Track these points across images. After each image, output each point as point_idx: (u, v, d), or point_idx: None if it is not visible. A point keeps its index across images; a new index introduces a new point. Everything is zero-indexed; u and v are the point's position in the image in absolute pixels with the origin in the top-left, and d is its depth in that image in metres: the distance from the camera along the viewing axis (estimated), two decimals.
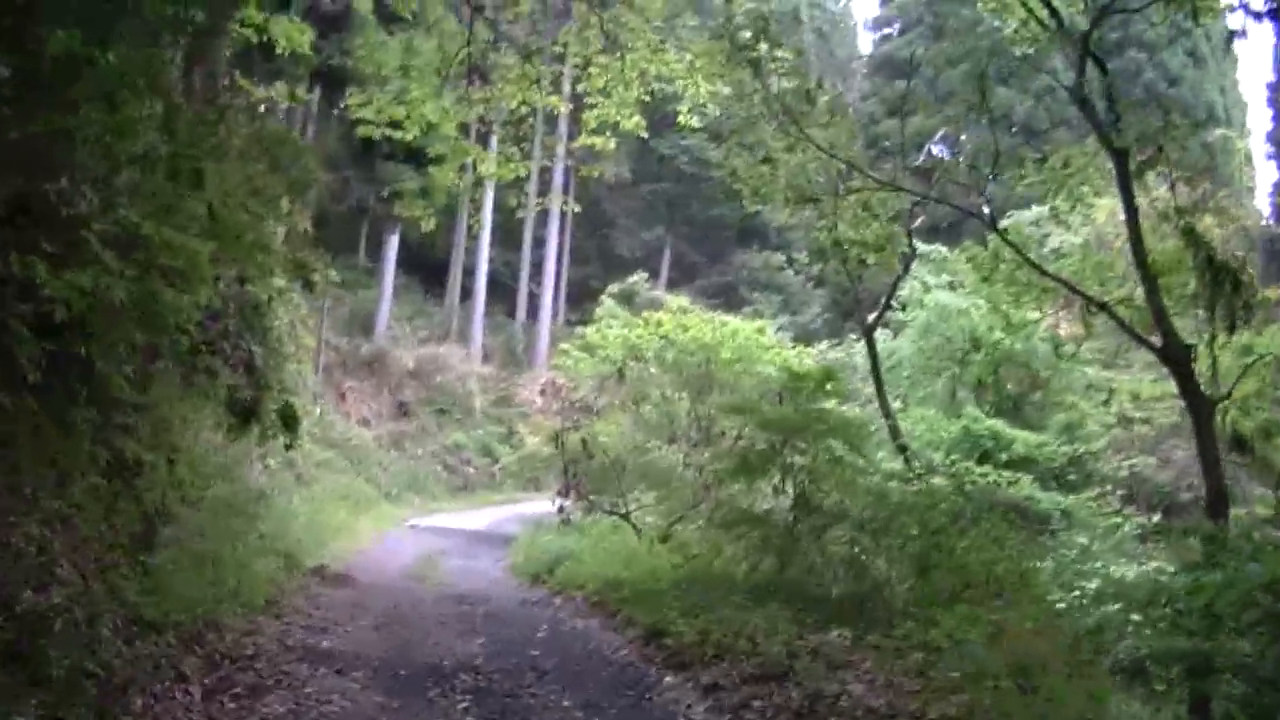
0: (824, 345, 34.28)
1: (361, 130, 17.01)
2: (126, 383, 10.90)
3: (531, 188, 47.81)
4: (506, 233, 52.29)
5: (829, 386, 13.85)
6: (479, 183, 17.78)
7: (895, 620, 10.47)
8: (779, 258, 61.09)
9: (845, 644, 9.45)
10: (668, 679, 9.37)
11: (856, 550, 12.52)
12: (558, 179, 43.80)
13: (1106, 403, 25.92)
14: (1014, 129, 50.42)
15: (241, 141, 11.25)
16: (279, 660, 8.67)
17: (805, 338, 37.67)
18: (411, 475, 36.30)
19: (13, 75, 7.38)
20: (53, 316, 6.40)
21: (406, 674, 8.88)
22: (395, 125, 16.74)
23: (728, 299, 51.12)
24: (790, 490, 13.48)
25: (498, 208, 48.56)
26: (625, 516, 18.93)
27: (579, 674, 9.55)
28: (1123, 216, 20.93)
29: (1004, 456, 26.98)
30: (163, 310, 7.42)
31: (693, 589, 12.50)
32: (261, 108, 17.58)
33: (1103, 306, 14.31)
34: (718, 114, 18.51)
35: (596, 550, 17.42)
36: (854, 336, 37.40)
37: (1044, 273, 15.44)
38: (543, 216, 52.01)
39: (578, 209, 17.44)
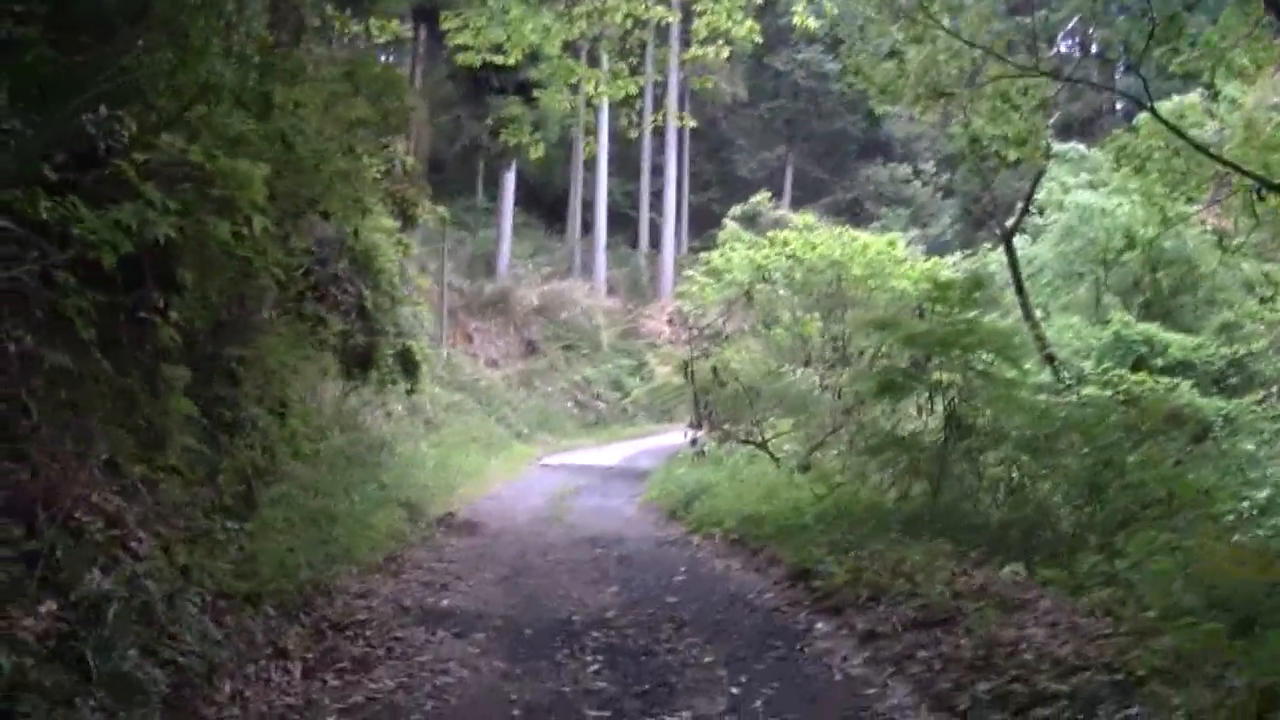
0: (957, 257, 32.57)
1: (461, 58, 16.14)
2: (214, 334, 10.39)
3: (646, 106, 46.87)
4: (624, 162, 51.41)
5: (976, 295, 12.65)
6: (590, 104, 16.76)
7: (1068, 550, 9.43)
8: (905, 169, 59.23)
9: (1017, 581, 8.40)
10: (819, 626, 8.45)
11: (1017, 473, 11.41)
12: (673, 95, 42.61)
13: (1272, 298, 24.00)
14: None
15: (326, 72, 10.49)
16: (393, 625, 7.97)
17: (937, 250, 36.12)
18: (542, 413, 35.86)
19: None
20: (100, 264, 5.67)
21: (532, 634, 8.11)
22: (497, 50, 15.86)
23: (854, 215, 49.49)
24: (940, 410, 12.39)
25: (613, 138, 47.74)
26: (762, 445, 18.01)
27: (721, 624, 8.69)
28: None
29: (1159, 362, 25.44)
30: (216, 245, 6.61)
31: (839, 522, 11.56)
32: (360, 45, 16.86)
33: (1273, 186, 12.88)
34: (835, 12, 17.23)
35: (734, 483, 16.57)
36: (988, 246, 35.78)
37: (1209, 154, 13.94)
38: (659, 143, 51.01)
39: (694, 124, 16.39)
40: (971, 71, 14.40)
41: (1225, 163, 13.59)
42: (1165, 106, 17.71)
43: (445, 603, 9.02)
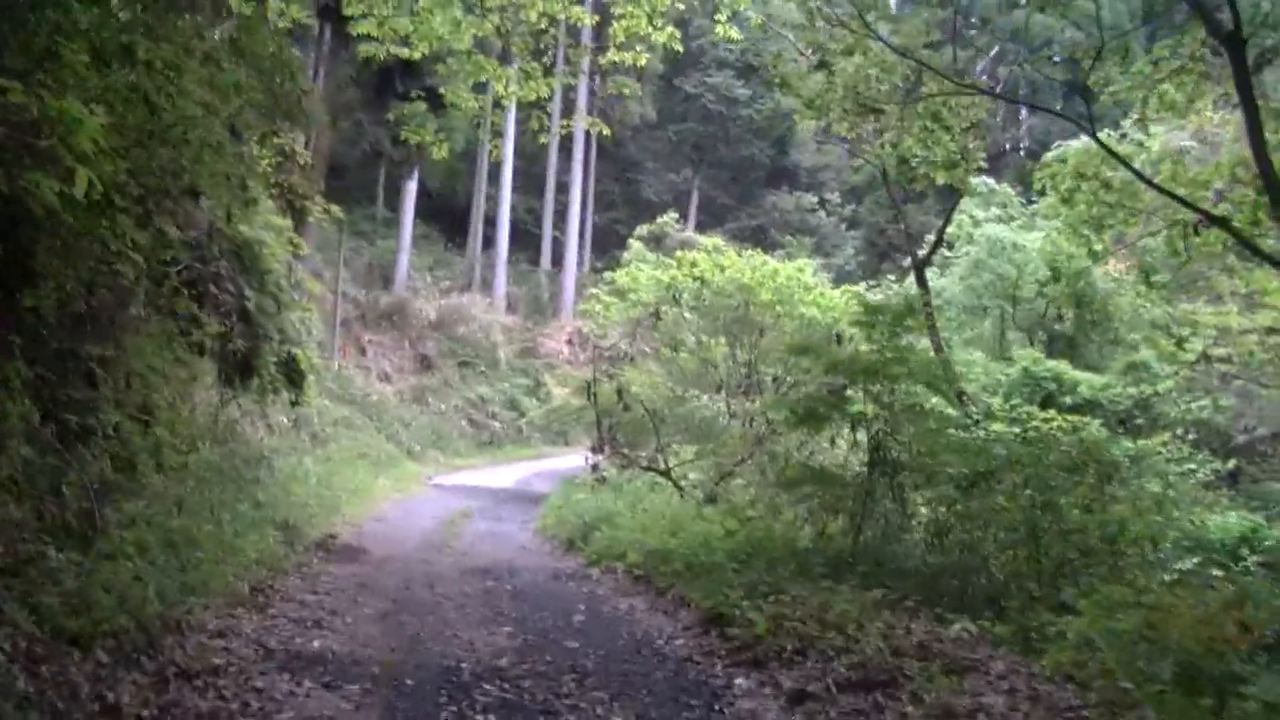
0: (862, 287, 32.22)
1: (364, 50, 15.07)
2: (71, 329, 9.27)
3: (554, 113, 45.98)
4: (529, 178, 50.53)
5: (909, 322, 11.92)
6: (500, 105, 15.71)
7: (1009, 601, 8.67)
8: (810, 199, 59.24)
9: (964, 636, 7.59)
10: (739, 682, 7.49)
11: (948, 513, 10.67)
12: (582, 100, 41.66)
13: (1180, 342, 23.79)
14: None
15: (209, 40, 9.38)
16: (252, 672, 6.83)
17: (840, 280, 35.71)
18: (435, 431, 34.67)
19: None
20: None
21: (414, 685, 7.03)
22: (403, 42, 14.84)
23: (758, 242, 48.86)
24: (861, 443, 11.62)
25: (519, 153, 46.77)
26: (666, 473, 17.11)
27: (629, 676, 7.72)
28: (1201, 131, 19.11)
29: (1067, 400, 25.14)
30: (42, 209, 5.45)
31: (754, 561, 10.69)
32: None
33: (1219, 221, 12.39)
34: (761, 21, 16.51)
35: (636, 512, 15.60)
36: (892, 278, 35.54)
37: (1155, 186, 13.39)
38: (565, 161, 50.18)
39: (606, 130, 15.47)
40: (905, 88, 13.76)
41: (1173, 196, 13.05)
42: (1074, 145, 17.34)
43: (316, 644, 7.89)
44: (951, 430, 11.34)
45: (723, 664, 8.08)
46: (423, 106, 15.14)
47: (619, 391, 16.69)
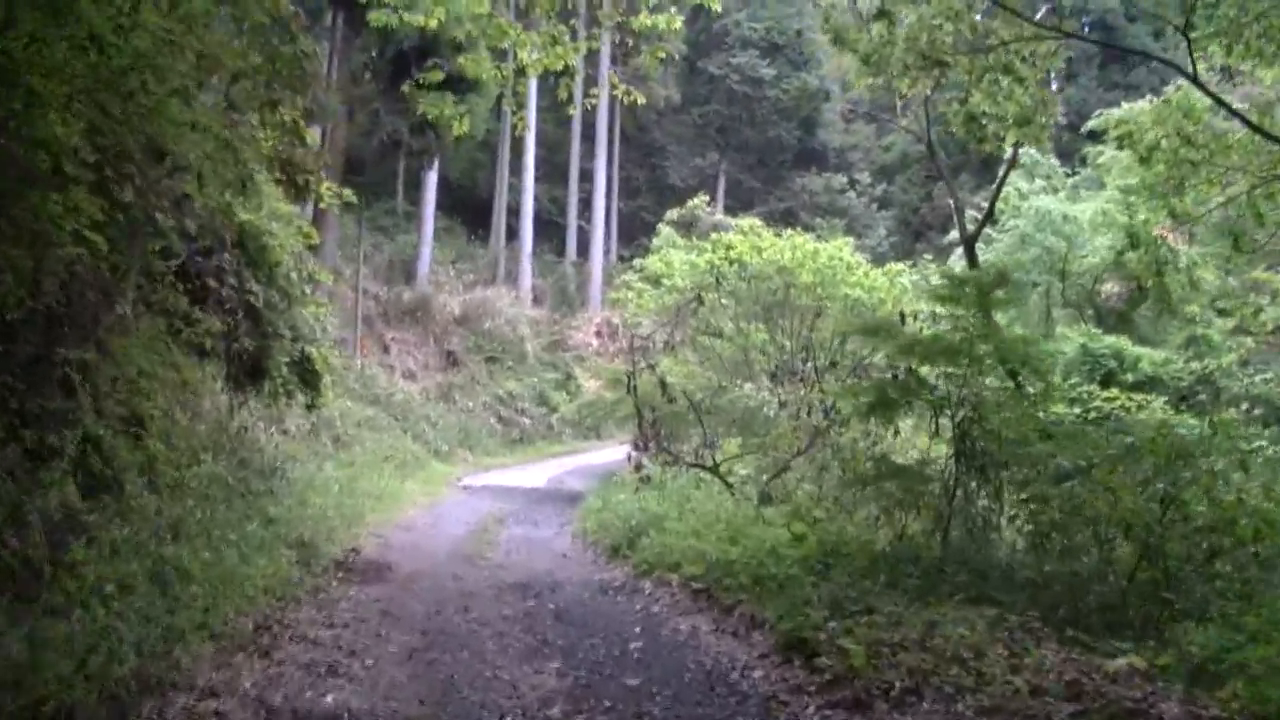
0: (900, 267, 30.87)
1: (374, 17, 13.73)
2: (44, 330, 8.04)
3: (578, 89, 44.45)
4: (552, 167, 49.28)
5: (1000, 295, 10.53)
6: (522, 72, 14.32)
7: (1128, 611, 7.33)
8: (840, 180, 57.70)
9: (1122, 668, 6.21)
10: None
11: (1050, 509, 9.25)
12: (604, 67, 40.16)
13: (1256, 312, 22.36)
14: None
15: None
16: None
17: (872, 262, 34.50)
18: (463, 429, 33.38)
19: None
20: None
21: None
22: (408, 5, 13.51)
23: (787, 225, 47.65)
24: (948, 431, 10.23)
25: (540, 141, 45.50)
26: (713, 470, 15.71)
27: None
28: None
29: (1129, 377, 23.78)
30: None
31: (833, 571, 9.35)
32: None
33: None
34: None
35: (684, 514, 14.25)
36: (929, 258, 34.07)
37: (1258, 129, 11.95)
38: (589, 148, 48.88)
39: (641, 100, 14.07)
40: (974, 38, 12.34)
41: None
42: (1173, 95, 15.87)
43: (330, 699, 6.55)
44: (1055, 412, 9.93)
45: (815, 704, 6.73)
46: (440, 74, 13.70)
47: (661, 383, 15.29)
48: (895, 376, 11.12)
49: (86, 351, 8.79)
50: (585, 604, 10.59)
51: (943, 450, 10.53)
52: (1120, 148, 15.18)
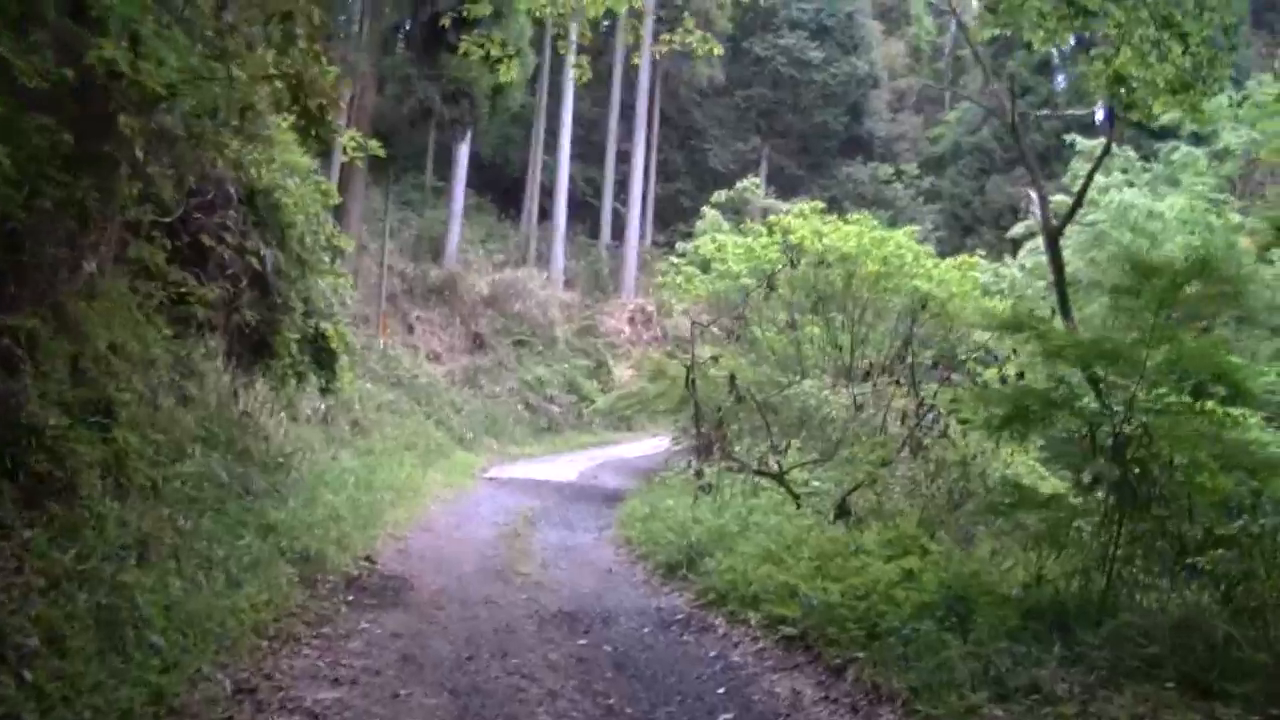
0: (971, 260, 28.88)
1: None
2: None
3: (616, 77, 42.65)
4: (588, 146, 47.35)
5: (1225, 289, 8.55)
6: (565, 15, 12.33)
7: None
8: (887, 169, 55.61)
9: None
10: None
11: (1246, 555, 7.26)
12: (645, 63, 38.16)
13: None
14: None
15: None
16: None
17: None
18: (489, 416, 31.60)
19: None
20: None
21: None
22: None
23: (831, 215, 45.85)
24: (1101, 454, 8.23)
25: (577, 120, 43.51)
26: (780, 478, 13.69)
27: None
28: None
29: (1221, 390, 21.74)
30: None
31: (971, 623, 7.36)
32: None
33: None
34: None
35: (748, 528, 12.29)
36: (981, 253, 32.03)
37: None
38: (627, 128, 46.93)
39: (712, 48, 12.05)
40: None
41: None
42: None
43: None
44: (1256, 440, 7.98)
45: None
46: (489, 8, 11.75)
47: (731, 378, 13.25)
48: (1059, 383, 9.05)
49: (36, 319, 6.90)
50: (648, 646, 8.66)
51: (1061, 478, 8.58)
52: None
